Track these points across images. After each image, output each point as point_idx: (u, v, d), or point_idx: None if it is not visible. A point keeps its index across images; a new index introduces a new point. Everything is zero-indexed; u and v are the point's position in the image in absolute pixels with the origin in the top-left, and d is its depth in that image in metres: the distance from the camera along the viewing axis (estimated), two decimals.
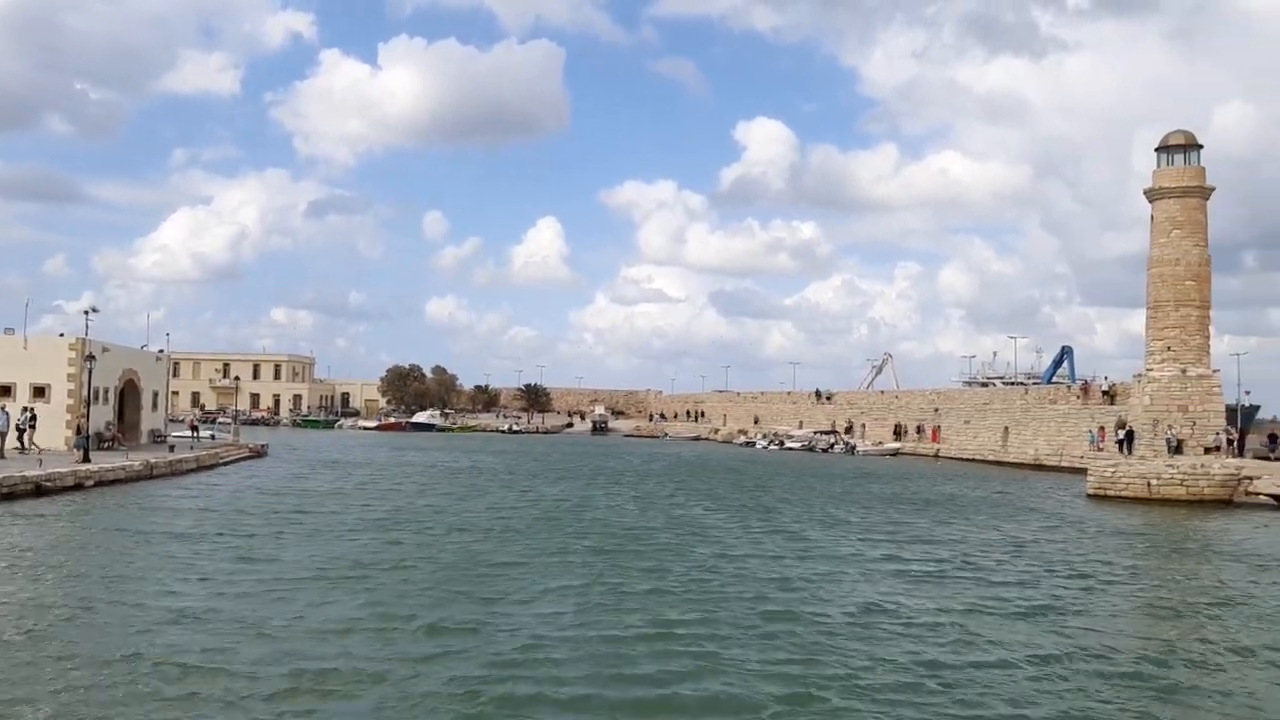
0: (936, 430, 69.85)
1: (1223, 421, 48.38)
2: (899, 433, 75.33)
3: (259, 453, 54.44)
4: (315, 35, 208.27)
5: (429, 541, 22.65)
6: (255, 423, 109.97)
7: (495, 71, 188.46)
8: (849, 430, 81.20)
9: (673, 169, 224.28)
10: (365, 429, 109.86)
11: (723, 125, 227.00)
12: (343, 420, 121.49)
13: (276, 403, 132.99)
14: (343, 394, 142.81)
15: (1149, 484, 36.39)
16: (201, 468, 42.59)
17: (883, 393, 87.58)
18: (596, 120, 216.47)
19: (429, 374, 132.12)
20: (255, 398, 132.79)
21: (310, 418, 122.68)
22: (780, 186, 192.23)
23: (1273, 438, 51.95)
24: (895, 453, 71.19)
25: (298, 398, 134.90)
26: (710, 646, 13.48)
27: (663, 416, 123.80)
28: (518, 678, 11.86)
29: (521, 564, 19.72)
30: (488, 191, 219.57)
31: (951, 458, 65.78)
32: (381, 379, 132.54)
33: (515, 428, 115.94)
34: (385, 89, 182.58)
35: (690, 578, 18.56)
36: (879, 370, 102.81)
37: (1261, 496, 35.19)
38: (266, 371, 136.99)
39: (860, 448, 73.03)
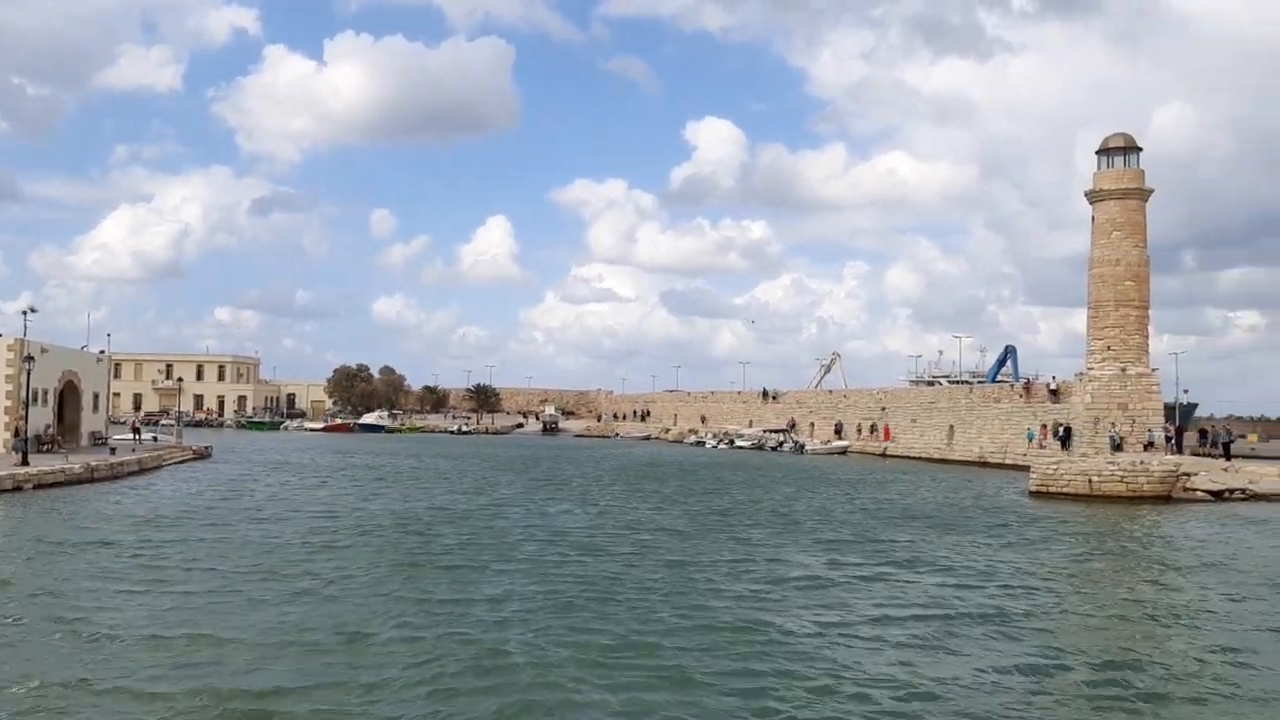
0: (889, 429, 70.50)
1: (1161, 419, 49.40)
2: (839, 431, 76.35)
3: (202, 454, 53.63)
4: (259, 31, 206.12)
5: (364, 553, 22.08)
6: (199, 424, 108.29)
7: (444, 68, 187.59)
8: (791, 427, 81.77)
9: (623, 168, 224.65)
10: (312, 430, 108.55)
11: (673, 124, 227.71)
12: (288, 422, 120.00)
13: (220, 404, 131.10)
14: (288, 395, 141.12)
15: (1090, 481, 37.06)
16: (143, 470, 41.88)
17: (831, 392, 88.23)
18: (547, 118, 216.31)
19: (377, 374, 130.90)
20: (199, 399, 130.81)
21: (255, 419, 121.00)
22: (730, 186, 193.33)
23: (1203, 433, 53.26)
24: (844, 451, 71.79)
25: (242, 399, 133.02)
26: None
27: (616, 417, 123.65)
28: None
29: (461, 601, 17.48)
30: (436, 189, 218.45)
31: (898, 456, 66.50)
32: (328, 380, 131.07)
33: (465, 429, 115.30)
34: (331, 85, 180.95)
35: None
36: (827, 369, 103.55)
37: (1199, 493, 36.01)
38: (210, 372, 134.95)
39: (809, 446, 73.52)
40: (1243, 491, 35.84)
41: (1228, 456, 46.60)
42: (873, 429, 71.82)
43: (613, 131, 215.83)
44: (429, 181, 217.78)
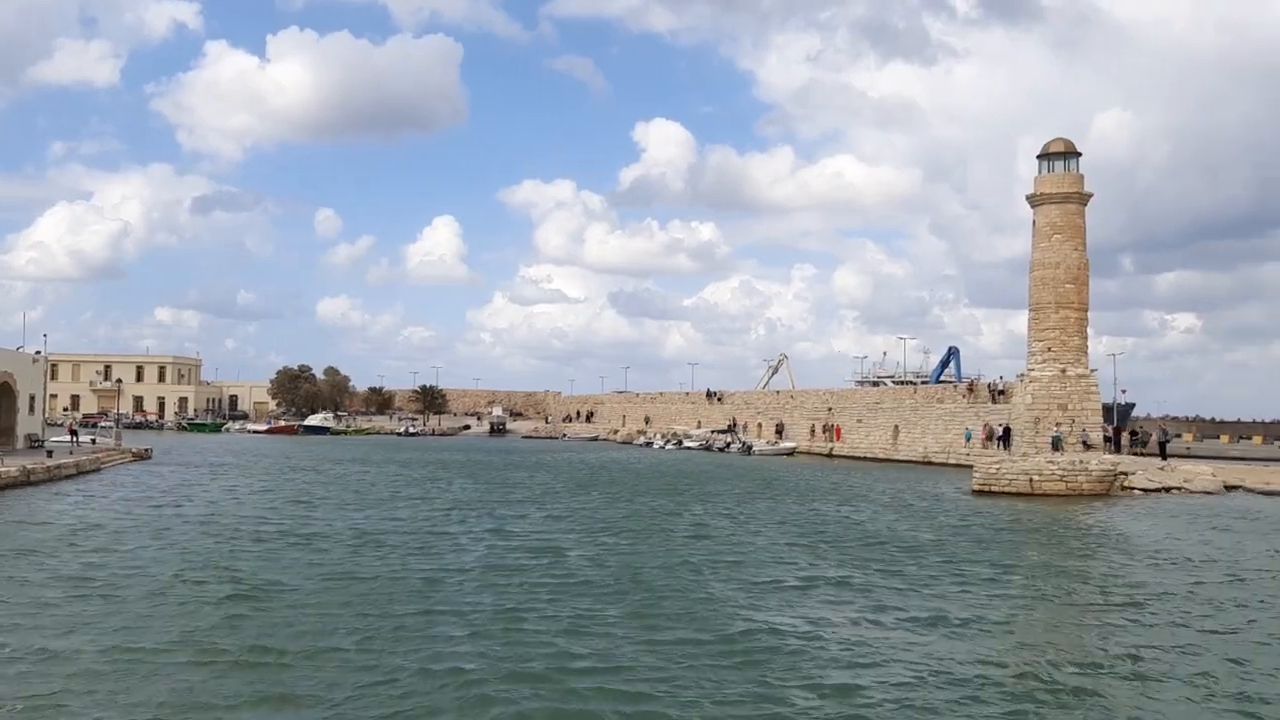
0: (840, 429, 71.02)
1: (1100, 419, 50.40)
2: (780, 431, 77.15)
3: (142, 456, 52.72)
4: (201, 26, 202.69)
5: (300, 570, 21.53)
6: (139, 426, 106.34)
7: (390, 66, 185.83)
8: (732, 428, 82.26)
9: (572, 168, 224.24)
10: (255, 432, 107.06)
11: (621, 125, 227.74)
12: (231, 424, 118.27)
13: (161, 406, 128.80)
14: (231, 396, 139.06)
15: (1031, 480, 37.71)
16: (81, 473, 41.06)
17: (778, 393, 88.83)
18: (494, 118, 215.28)
19: (321, 375, 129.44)
20: (139, 401, 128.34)
21: (197, 421, 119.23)
22: (679, 187, 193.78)
23: (1133, 434, 54.47)
24: (791, 452, 72.30)
25: (183, 400, 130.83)
26: None
27: (570, 418, 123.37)
28: None
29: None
30: (382, 189, 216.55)
31: (844, 456, 67.15)
32: (271, 381, 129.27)
33: (411, 430, 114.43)
34: (274, 82, 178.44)
35: None
36: (775, 370, 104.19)
37: (1136, 491, 36.81)
38: (150, 373, 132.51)
39: (756, 447, 73.92)
40: (1178, 490, 36.69)
41: (1164, 456, 47.65)
42: (825, 429, 72.39)
43: (561, 132, 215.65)
44: (375, 181, 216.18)
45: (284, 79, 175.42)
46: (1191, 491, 36.35)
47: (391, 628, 14.45)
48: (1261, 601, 17.43)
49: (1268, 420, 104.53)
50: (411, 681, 11.92)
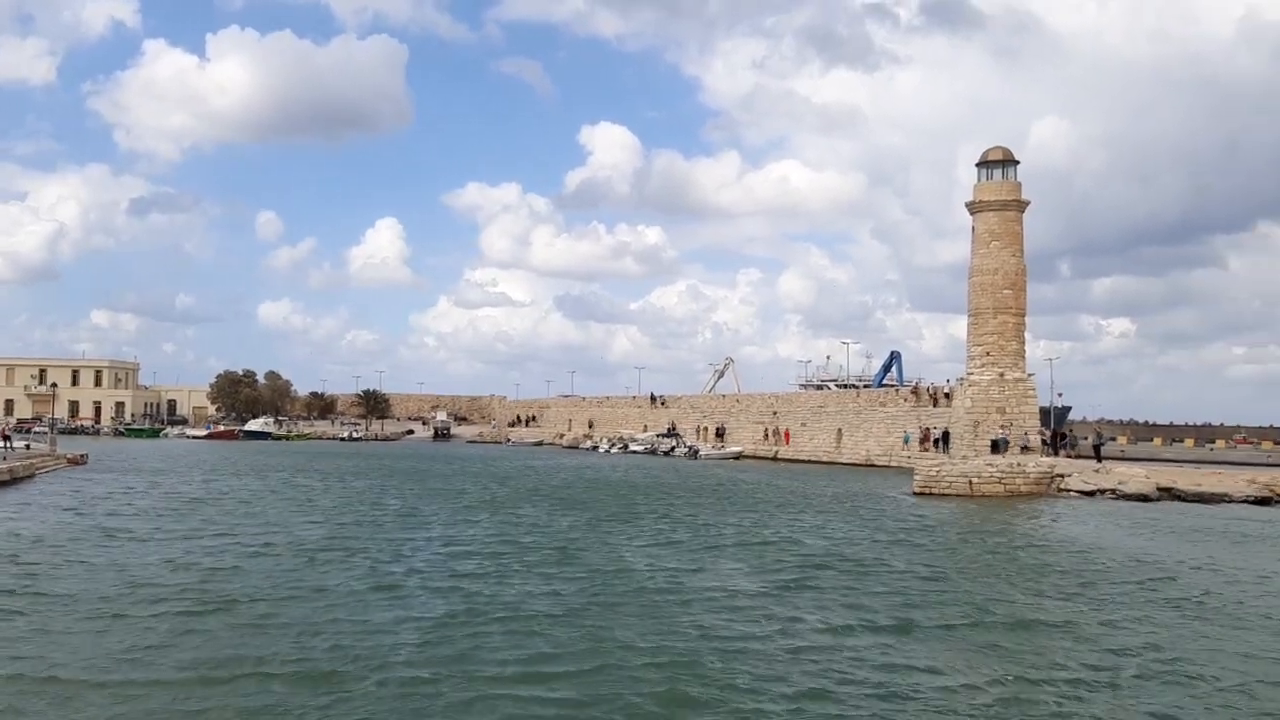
0: (788, 432, 71.53)
1: (1037, 423, 51.43)
2: (720, 434, 78.09)
3: (78, 462, 51.65)
4: (139, 24, 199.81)
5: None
6: (75, 432, 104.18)
7: (333, 67, 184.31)
8: (671, 433, 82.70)
9: (517, 171, 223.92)
10: (194, 438, 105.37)
11: (568, 129, 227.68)
12: (169, 429, 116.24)
13: (98, 411, 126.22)
14: (169, 401, 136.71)
15: (970, 482, 38.36)
16: (15, 480, 40.12)
17: (724, 397, 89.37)
18: (439, 120, 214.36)
19: (262, 380, 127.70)
20: (74, 405, 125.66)
21: (134, 426, 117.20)
22: (625, 191, 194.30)
23: (1061, 436, 55.78)
24: (738, 455, 72.65)
25: (120, 405, 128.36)
26: None
27: (516, 422, 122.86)
28: None
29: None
30: (325, 191, 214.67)
31: (789, 459, 67.71)
32: (211, 385, 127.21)
33: (355, 435, 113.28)
34: (214, 82, 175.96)
35: None
36: (721, 374, 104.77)
37: (1072, 493, 37.60)
38: (87, 378, 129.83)
39: (703, 451, 74.16)
40: (1113, 492, 37.53)
41: (1099, 458, 48.63)
42: (774, 433, 72.86)
43: (507, 134, 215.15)
44: (317, 182, 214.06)
45: (224, 79, 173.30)
46: (1126, 494, 37.19)
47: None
48: (1197, 600, 17.95)
49: (1198, 423, 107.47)
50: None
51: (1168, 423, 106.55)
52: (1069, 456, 50.42)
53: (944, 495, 37.85)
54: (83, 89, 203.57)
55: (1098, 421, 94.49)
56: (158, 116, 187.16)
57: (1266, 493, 37.05)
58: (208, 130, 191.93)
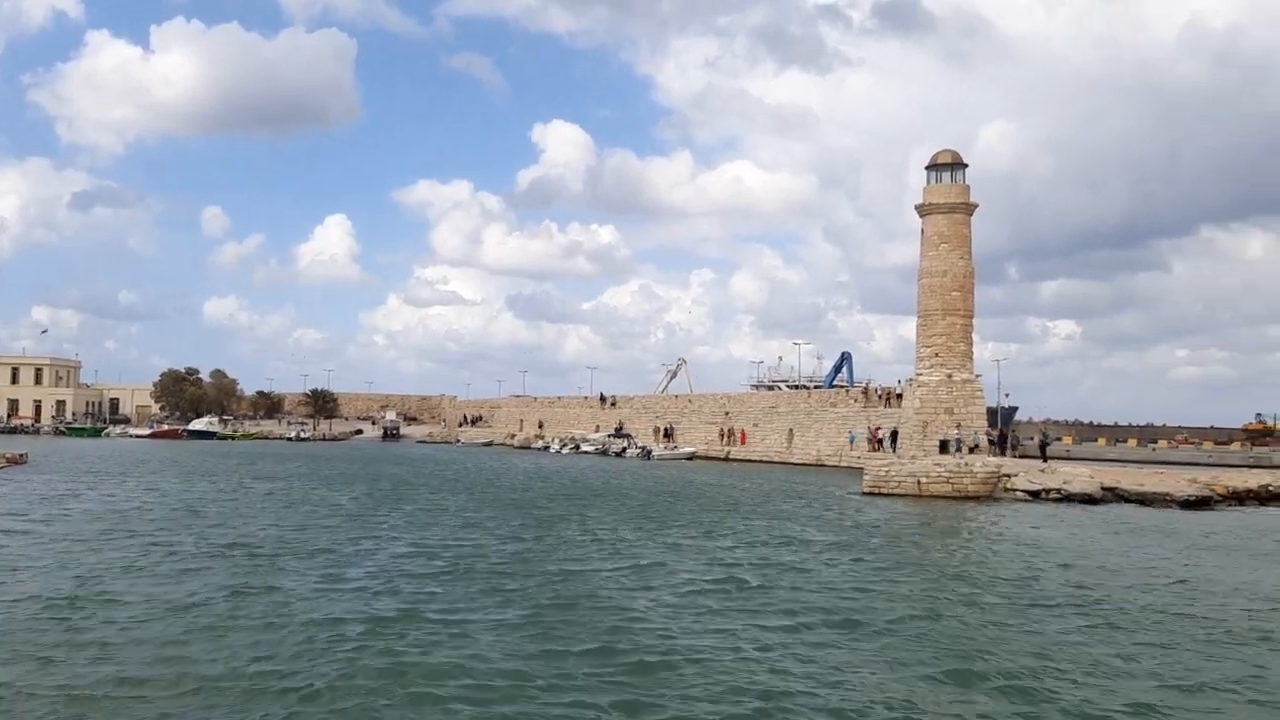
0: (744, 433, 71.63)
1: (984, 423, 52.00)
2: (668, 435, 79.03)
3: (17, 462, 50.43)
4: (81, 15, 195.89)
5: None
6: (14, 430, 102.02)
7: (281, 60, 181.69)
8: (620, 433, 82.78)
9: (468, 169, 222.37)
10: (138, 437, 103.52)
11: (519, 126, 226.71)
12: (112, 428, 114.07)
13: (37, 409, 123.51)
14: (112, 399, 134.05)
15: (919, 482, 38.63)
16: None
17: (676, 397, 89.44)
18: (389, 116, 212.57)
19: (207, 378, 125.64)
20: (14, 404, 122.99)
21: (75, 425, 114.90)
22: (578, 190, 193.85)
23: (1002, 437, 56.52)
24: (691, 456, 72.60)
25: (61, 404, 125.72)
26: None
27: (467, 421, 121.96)
28: None
29: None
30: (272, 186, 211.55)
31: (741, 459, 67.89)
32: (155, 384, 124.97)
33: (302, 435, 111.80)
34: (159, 74, 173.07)
35: None
36: (673, 375, 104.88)
37: (1019, 493, 38.01)
38: (26, 375, 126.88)
39: (656, 452, 74.03)
40: (1058, 491, 37.97)
41: (1044, 458, 49.26)
42: (730, 433, 72.96)
43: (458, 131, 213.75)
44: (264, 178, 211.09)
45: (169, 71, 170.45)
46: (1071, 493, 37.64)
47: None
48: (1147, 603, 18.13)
49: (1141, 424, 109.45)
50: None
51: (1112, 423, 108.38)
52: (1015, 457, 51.03)
53: (892, 495, 38.10)
54: (23, 81, 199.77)
55: (1044, 422, 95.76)
56: (100, 109, 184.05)
57: (1206, 492, 37.70)
58: (152, 123, 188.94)
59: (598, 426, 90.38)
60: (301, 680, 11.70)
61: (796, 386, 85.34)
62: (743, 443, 71.16)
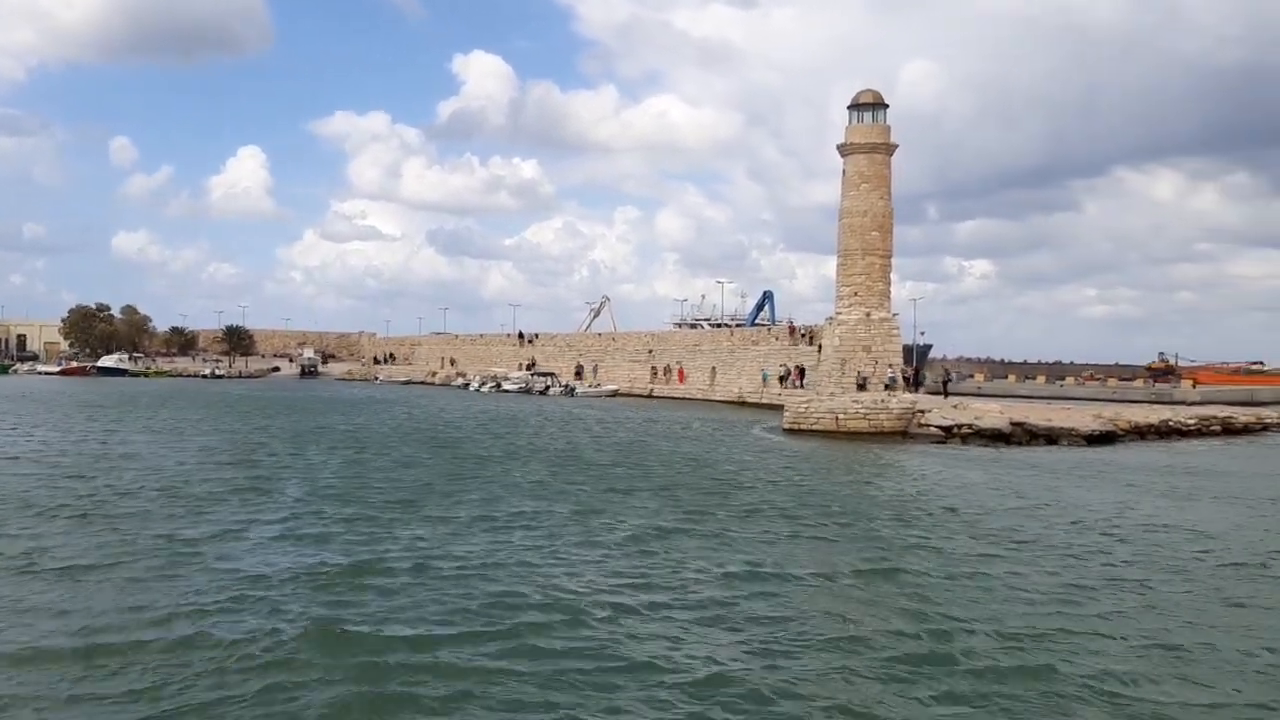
0: (683, 371, 71.80)
1: (901, 361, 53.18)
2: (579, 373, 79.58)
3: None
4: None
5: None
6: None
7: None
8: (531, 368, 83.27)
9: (386, 100, 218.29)
10: (46, 374, 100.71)
11: (438, 57, 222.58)
12: (19, 365, 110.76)
13: None
14: (19, 336, 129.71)
15: (837, 418, 39.53)
16: None
17: (599, 335, 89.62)
18: (304, 43, 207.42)
19: (118, 314, 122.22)
20: None
21: None
22: (500, 123, 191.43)
23: (917, 374, 58.49)
24: (614, 393, 73.01)
25: None
26: None
27: (379, 360, 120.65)
28: None
29: None
30: (182, 116, 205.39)
31: (664, 396, 68.55)
32: (63, 320, 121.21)
33: (217, 372, 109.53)
34: None
35: None
36: (597, 313, 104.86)
37: (932, 428, 39.11)
38: None
39: (579, 389, 74.30)
40: (969, 426, 39.14)
41: (945, 395, 50.19)
42: (667, 370, 73.08)
43: (375, 61, 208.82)
44: (173, 107, 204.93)
45: None
46: (981, 429, 38.82)
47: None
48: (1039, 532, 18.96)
49: (1050, 361, 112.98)
50: None
51: (1022, 360, 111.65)
52: (925, 394, 52.36)
53: (811, 431, 38.95)
54: None
55: (956, 360, 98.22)
56: (0, 33, 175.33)
57: (1110, 428, 39.25)
58: (54, 48, 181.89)
59: (521, 365, 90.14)
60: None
61: (719, 325, 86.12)
62: (681, 381, 71.17)
